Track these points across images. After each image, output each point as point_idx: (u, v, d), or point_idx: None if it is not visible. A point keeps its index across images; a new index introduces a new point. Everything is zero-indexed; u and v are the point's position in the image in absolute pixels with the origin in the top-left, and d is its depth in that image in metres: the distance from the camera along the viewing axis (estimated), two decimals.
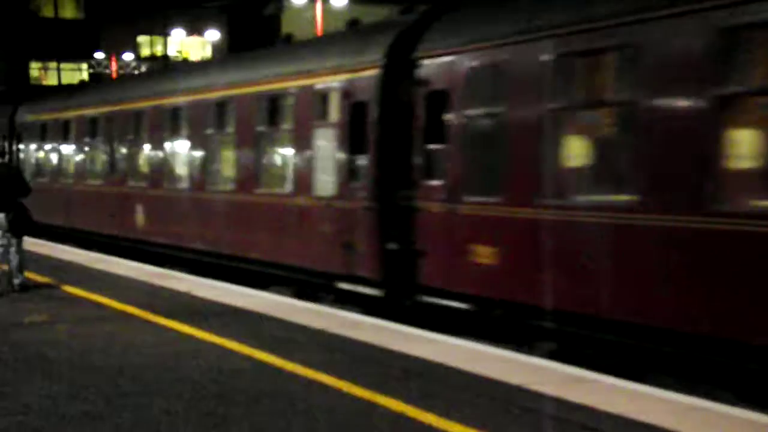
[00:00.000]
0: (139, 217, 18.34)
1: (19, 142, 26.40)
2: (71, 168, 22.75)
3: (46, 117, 24.53)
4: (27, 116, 25.95)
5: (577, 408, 6.36)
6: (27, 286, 12.44)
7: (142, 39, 63.98)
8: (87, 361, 7.99)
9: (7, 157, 18.49)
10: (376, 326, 9.65)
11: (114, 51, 58.04)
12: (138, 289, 12.53)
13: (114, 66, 56.39)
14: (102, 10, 61.46)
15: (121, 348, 8.53)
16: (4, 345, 8.72)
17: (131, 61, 58.70)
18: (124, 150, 19.47)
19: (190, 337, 9.03)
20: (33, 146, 25.47)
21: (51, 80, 61.27)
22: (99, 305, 11.13)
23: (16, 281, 12.40)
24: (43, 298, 11.69)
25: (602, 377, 7.40)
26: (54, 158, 24.06)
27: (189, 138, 16.72)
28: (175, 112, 17.31)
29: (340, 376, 7.25)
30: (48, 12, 62.45)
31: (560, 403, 6.47)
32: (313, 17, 38.46)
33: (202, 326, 9.51)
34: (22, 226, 12.59)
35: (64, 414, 6.28)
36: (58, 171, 23.55)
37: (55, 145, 23.75)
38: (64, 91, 30.15)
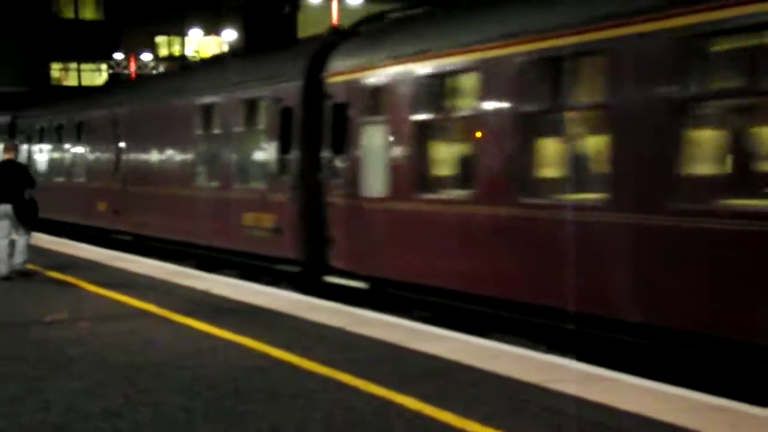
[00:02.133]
0: None
1: (345, 125, 12.63)
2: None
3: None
4: (359, 68, 12.46)
5: (596, 406, 6.33)
6: (26, 273, 13.56)
7: (160, 39, 64.27)
8: (107, 358, 8.03)
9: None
10: (391, 324, 9.65)
11: (133, 51, 58.33)
12: (157, 287, 12.58)
13: (133, 66, 56.67)
14: (121, 11, 61.80)
15: (140, 345, 8.57)
16: (25, 343, 8.79)
17: (150, 62, 58.98)
18: None
19: (207, 335, 9.06)
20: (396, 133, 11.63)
21: (71, 81, 61.64)
22: (119, 303, 11.19)
23: (17, 263, 13.52)
24: (64, 296, 11.77)
25: (622, 376, 7.35)
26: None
27: None
28: None
29: (357, 374, 7.25)
30: (69, 13, 62.81)
31: (579, 401, 6.44)
32: (329, 17, 38.50)
33: (220, 324, 9.54)
34: (27, 216, 13.61)
35: (84, 410, 6.31)
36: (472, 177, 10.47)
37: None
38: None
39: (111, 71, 59.67)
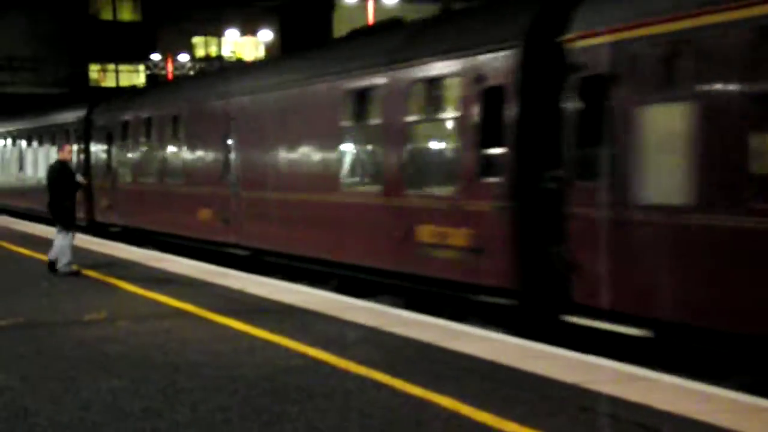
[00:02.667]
0: None
1: (607, 105, 9.17)
2: None
3: None
4: (646, 22, 8.85)
5: (635, 407, 6.28)
6: (70, 273, 13.86)
7: (196, 40, 64.76)
8: (145, 357, 8.10)
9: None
10: (427, 324, 9.63)
11: (170, 52, 58.81)
12: (194, 287, 12.67)
13: (170, 67, 57.14)
14: (158, 12, 62.37)
15: (177, 345, 8.63)
16: (65, 342, 8.89)
17: (187, 62, 59.42)
18: None
19: (244, 335, 9.10)
20: None
21: (109, 82, 62.30)
22: (156, 303, 11.28)
23: (59, 266, 14.00)
24: (102, 296, 11.88)
25: (661, 375, 7.28)
26: None
27: None
28: None
29: (394, 373, 7.25)
30: (107, 15, 63.54)
31: (617, 402, 6.39)
32: (365, 16, 38.56)
33: (256, 323, 9.58)
34: (61, 217, 14.17)
35: (123, 410, 6.38)
36: None
37: None
38: None
39: (148, 72, 60.24)
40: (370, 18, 37.05)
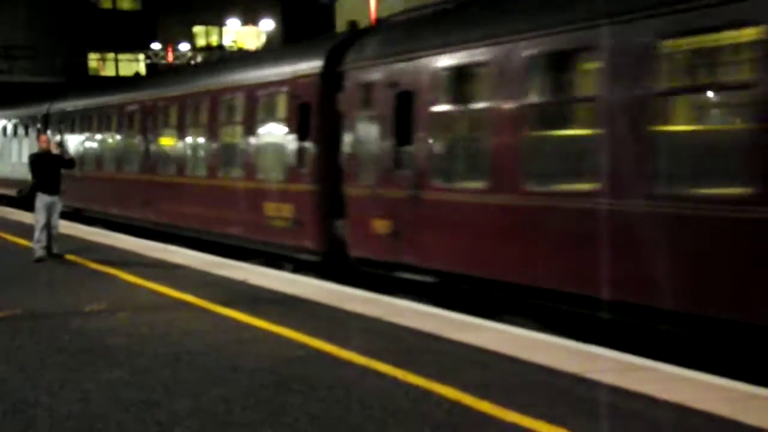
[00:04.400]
0: None
1: None
2: None
3: None
4: None
5: (634, 396, 6.29)
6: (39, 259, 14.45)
7: (197, 29, 64.64)
8: (146, 348, 8.10)
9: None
10: (430, 314, 9.64)
11: (170, 41, 58.70)
12: (195, 278, 12.67)
13: (170, 57, 57.01)
14: (158, 1, 62.24)
15: (178, 336, 8.63)
16: (65, 333, 8.88)
17: (187, 52, 59.31)
18: None
19: (246, 325, 9.10)
20: None
21: (109, 71, 62.21)
22: (157, 293, 11.28)
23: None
24: (102, 287, 11.88)
25: (660, 365, 7.29)
26: None
27: None
28: None
29: (396, 364, 7.25)
30: (106, 4, 63.44)
31: (618, 391, 6.40)
32: (367, 7, 38.44)
33: (259, 314, 9.58)
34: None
35: (124, 401, 6.37)
36: None
37: None
38: None
39: (148, 61, 60.15)
40: (373, 7, 36.95)
